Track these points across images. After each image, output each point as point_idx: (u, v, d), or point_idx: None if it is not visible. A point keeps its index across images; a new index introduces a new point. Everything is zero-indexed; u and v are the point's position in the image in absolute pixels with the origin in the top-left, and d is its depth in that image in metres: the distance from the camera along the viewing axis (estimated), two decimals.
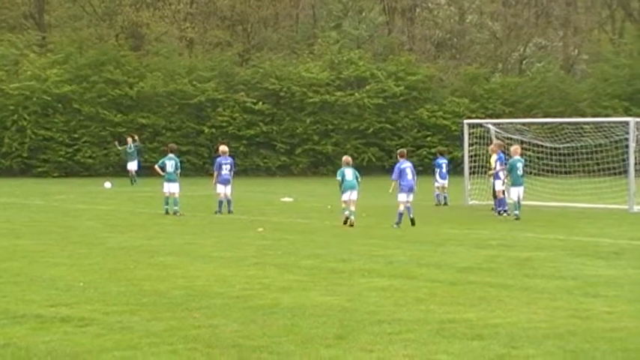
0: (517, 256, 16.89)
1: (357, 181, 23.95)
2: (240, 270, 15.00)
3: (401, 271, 14.89)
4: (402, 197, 23.48)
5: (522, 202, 26.02)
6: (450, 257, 16.75)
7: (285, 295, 12.52)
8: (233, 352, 9.25)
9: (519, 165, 25.94)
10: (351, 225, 23.23)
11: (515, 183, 25.79)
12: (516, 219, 25.10)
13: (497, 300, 12.07)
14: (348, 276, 14.29)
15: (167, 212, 26.29)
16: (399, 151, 25.36)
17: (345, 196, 23.78)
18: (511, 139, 31.51)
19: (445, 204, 30.33)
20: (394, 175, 23.87)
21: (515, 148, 26.71)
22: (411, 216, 23.39)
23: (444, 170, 30.98)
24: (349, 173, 23.92)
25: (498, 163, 27.28)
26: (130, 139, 43.41)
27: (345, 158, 24.76)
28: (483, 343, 9.55)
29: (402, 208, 23.38)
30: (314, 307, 11.51)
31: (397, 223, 23.09)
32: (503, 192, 27.17)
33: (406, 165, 23.87)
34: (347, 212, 23.62)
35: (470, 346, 9.43)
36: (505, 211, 26.73)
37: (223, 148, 28.17)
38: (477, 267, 15.34)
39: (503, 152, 27.74)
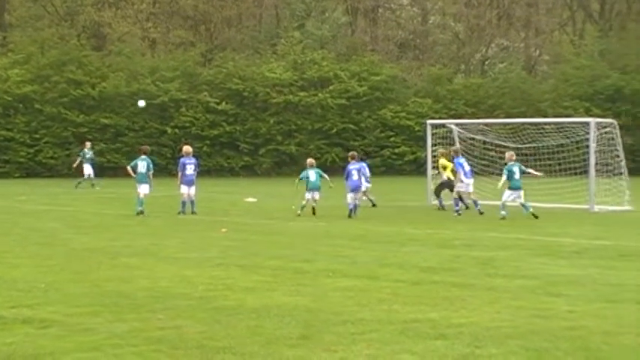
0: (480, 255, 16.97)
1: (322, 177, 26.56)
2: (204, 271, 14.94)
3: (364, 271, 14.90)
4: (350, 196, 25.79)
5: (490, 203, 26.26)
6: (413, 257, 16.80)
7: (250, 295, 12.49)
8: (197, 353, 9.22)
9: (515, 169, 25.85)
10: (313, 212, 25.82)
11: (512, 187, 25.80)
12: (502, 218, 25.23)
13: (461, 300, 12.12)
14: (312, 276, 14.28)
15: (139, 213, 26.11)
16: (350, 153, 27.22)
17: (309, 195, 26.27)
18: (474, 139, 31.66)
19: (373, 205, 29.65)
20: (345, 175, 26.15)
21: (510, 155, 26.60)
22: (352, 212, 25.46)
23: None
24: (312, 174, 26.39)
25: (461, 169, 27.37)
26: (88, 143, 42.97)
27: (310, 161, 27.32)
28: (447, 343, 9.59)
29: (350, 202, 25.69)
30: (278, 308, 11.50)
31: (349, 215, 25.32)
32: (459, 194, 27.38)
33: (354, 167, 26.06)
34: (310, 202, 26.12)
35: (433, 346, 9.47)
36: (457, 211, 26.82)
37: (187, 148, 28.03)
38: (439, 267, 15.39)
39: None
